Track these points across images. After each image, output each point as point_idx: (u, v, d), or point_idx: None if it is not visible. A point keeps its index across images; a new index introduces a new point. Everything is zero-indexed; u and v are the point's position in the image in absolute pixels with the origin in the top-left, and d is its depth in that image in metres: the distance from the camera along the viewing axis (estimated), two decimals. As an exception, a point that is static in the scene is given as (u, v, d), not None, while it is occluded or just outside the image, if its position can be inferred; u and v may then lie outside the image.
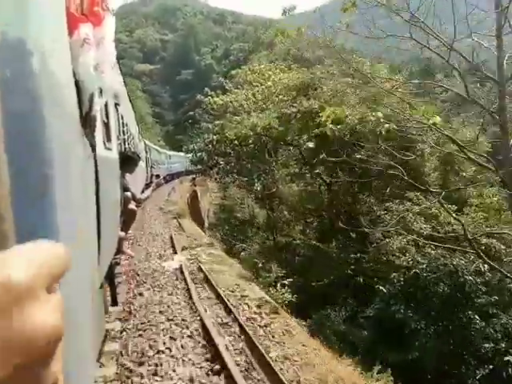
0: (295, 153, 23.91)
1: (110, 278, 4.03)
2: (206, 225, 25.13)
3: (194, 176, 37.29)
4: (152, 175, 20.77)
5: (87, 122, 1.97)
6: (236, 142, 23.55)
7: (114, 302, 4.39)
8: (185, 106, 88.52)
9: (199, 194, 29.73)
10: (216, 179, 28.61)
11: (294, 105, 20.97)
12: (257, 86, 26.97)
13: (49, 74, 1.11)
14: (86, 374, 1.60)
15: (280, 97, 24.36)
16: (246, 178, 24.62)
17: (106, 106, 3.79)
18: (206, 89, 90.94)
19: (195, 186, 33.56)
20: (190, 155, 52.68)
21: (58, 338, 0.34)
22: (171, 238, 12.70)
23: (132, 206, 5.73)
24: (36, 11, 1.11)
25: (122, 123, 6.45)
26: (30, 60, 0.95)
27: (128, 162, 5.69)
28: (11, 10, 0.99)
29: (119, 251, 4.90)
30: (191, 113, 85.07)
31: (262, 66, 29.65)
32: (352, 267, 17.07)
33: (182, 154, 43.64)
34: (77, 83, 1.81)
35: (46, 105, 1.03)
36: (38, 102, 0.99)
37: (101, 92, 2.23)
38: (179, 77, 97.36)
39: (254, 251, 20.13)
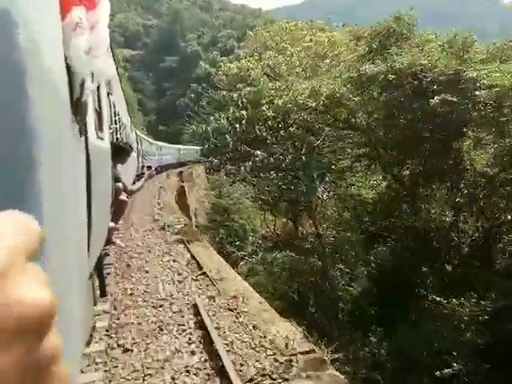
0: (361, 140, 16.78)
1: (99, 268, 3.94)
2: (194, 225, 19.93)
3: (181, 170, 35.57)
4: (143, 166, 20.59)
5: (78, 108, 1.88)
6: (278, 119, 16.20)
7: (103, 294, 4.31)
8: (167, 95, 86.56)
9: (187, 191, 27.26)
10: (245, 179, 20.63)
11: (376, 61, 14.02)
12: (286, 49, 20.82)
13: (36, 51, 1.02)
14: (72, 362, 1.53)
15: (344, 55, 18.06)
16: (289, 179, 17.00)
17: (98, 94, 3.69)
18: (215, 53, 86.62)
19: (182, 181, 31.27)
20: (186, 147, 51.59)
21: (51, 312, 0.33)
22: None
23: (123, 196, 5.66)
24: None
25: (114, 112, 6.35)
26: (15, 31, 0.87)
27: (120, 152, 5.60)
28: None
29: (109, 242, 4.82)
30: (183, 100, 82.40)
31: (292, 23, 24.06)
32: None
33: (172, 145, 43.17)
34: (68, 67, 1.71)
35: (31, 82, 0.94)
36: (22, 77, 0.91)
37: (92, 77, 2.14)
38: (163, 64, 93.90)
39: (257, 262, 16.83)
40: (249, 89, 18.60)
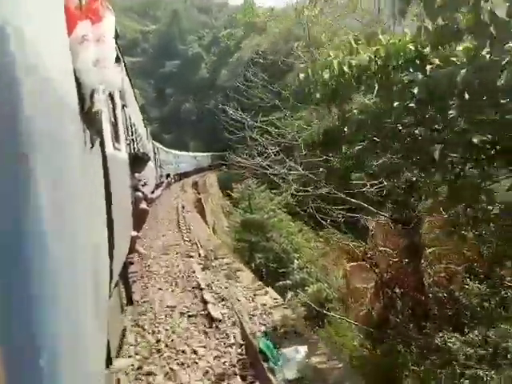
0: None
1: (124, 277, 3.96)
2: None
3: (196, 180, 33.95)
4: (161, 175, 20.78)
5: (90, 117, 1.91)
6: None
7: (129, 301, 4.33)
8: (170, 102, 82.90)
9: (204, 206, 24.16)
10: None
11: None
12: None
13: (37, 65, 1.13)
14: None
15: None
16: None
17: (113, 106, 3.76)
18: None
19: (199, 193, 29.15)
20: (200, 154, 51.55)
21: None
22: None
23: (143, 205, 5.70)
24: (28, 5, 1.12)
25: (130, 124, 6.43)
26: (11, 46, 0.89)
27: (138, 162, 5.67)
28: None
29: (132, 250, 4.85)
30: (186, 105, 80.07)
31: None
32: None
33: (187, 153, 43.50)
34: (77, 80, 1.75)
35: (29, 94, 0.96)
36: (19, 88, 0.93)
37: (103, 88, 2.17)
38: (163, 69, 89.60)
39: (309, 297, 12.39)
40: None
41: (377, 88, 4.65)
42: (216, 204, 28.11)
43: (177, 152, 35.95)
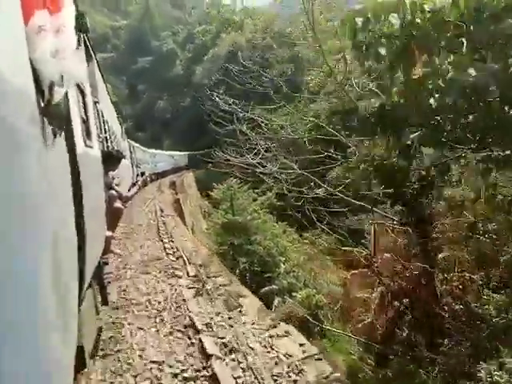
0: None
1: (99, 277, 3.87)
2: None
3: (174, 180, 33.01)
4: (138, 174, 20.47)
5: (50, 110, 1.82)
6: None
7: (105, 302, 4.23)
8: (143, 99, 79.55)
9: (183, 207, 23.47)
10: None
11: None
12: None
13: None
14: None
15: None
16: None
17: (84, 102, 3.67)
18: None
19: (177, 193, 27.57)
20: (177, 152, 51.21)
21: None
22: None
23: (118, 204, 5.57)
24: None
25: (103, 121, 6.29)
26: None
27: (111, 160, 5.54)
28: None
29: (107, 251, 4.74)
30: (161, 102, 77.05)
31: None
32: None
33: (165, 152, 43.07)
34: (34, 71, 1.67)
35: None
36: None
37: (62, 79, 2.07)
38: (135, 66, 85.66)
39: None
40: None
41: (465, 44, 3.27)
42: (194, 205, 26.70)
43: (154, 151, 35.57)
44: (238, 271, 13.95)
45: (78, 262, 2.36)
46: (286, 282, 13.88)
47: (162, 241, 12.01)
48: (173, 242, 11.90)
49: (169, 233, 13.22)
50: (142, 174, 17.31)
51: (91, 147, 3.77)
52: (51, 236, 1.67)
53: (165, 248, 10.96)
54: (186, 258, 9.70)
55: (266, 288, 12.89)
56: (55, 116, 2.02)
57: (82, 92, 3.74)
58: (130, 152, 17.55)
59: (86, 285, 2.99)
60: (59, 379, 1.64)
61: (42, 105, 1.84)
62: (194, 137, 63.67)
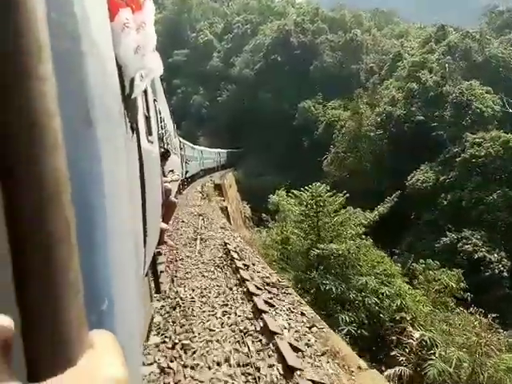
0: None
1: (153, 267, 3.95)
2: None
3: (219, 183, 28.59)
4: (187, 171, 20.73)
5: (129, 104, 1.88)
6: None
7: (158, 290, 4.32)
8: (178, 94, 75.83)
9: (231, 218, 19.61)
10: None
11: None
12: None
13: (94, 46, 1.14)
14: (134, 352, 1.51)
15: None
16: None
17: (146, 100, 3.74)
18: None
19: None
20: (223, 150, 51.38)
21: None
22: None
23: (172, 198, 5.68)
24: None
25: (160, 118, 6.45)
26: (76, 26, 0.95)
27: (164, 156, 5.71)
28: None
29: (161, 242, 4.84)
30: (197, 97, 74.21)
31: None
32: None
33: (212, 149, 43.33)
34: (119, 67, 1.72)
35: (92, 75, 1.03)
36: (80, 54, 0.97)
37: (141, 75, 2.13)
38: (172, 59, 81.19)
39: None
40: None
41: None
42: (236, 209, 24.75)
43: (201, 148, 36.08)
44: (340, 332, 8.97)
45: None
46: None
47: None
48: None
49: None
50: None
51: (152, 143, 3.86)
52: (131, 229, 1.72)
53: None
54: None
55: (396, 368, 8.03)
56: (133, 110, 2.08)
57: (145, 90, 3.83)
58: (180, 149, 17.85)
59: (144, 273, 3.05)
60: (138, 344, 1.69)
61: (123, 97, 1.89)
62: (234, 134, 62.86)
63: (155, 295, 4.46)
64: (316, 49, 65.35)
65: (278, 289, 6.74)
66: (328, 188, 14.69)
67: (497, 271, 27.72)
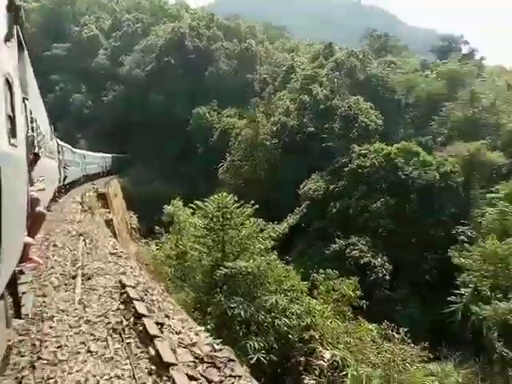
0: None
1: (13, 288, 3.54)
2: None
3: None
4: (65, 177, 19.32)
5: None
6: None
7: (18, 315, 3.87)
8: (56, 91, 70.04)
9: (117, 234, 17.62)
10: None
11: None
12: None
13: None
14: None
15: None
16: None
17: (11, 99, 3.40)
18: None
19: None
20: (108, 154, 48.41)
21: None
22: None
23: (41, 208, 5.18)
24: None
25: (31, 119, 5.90)
26: None
27: (34, 160, 5.23)
28: None
29: (25, 259, 4.36)
30: (78, 96, 68.32)
31: None
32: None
33: (97, 154, 40.94)
34: None
35: None
36: None
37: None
38: (50, 52, 75.07)
39: None
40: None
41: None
42: (121, 219, 22.30)
43: (84, 152, 33.98)
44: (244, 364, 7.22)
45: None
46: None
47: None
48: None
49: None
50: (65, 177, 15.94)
51: (15, 146, 3.50)
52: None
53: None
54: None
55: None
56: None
57: (10, 86, 3.46)
58: (58, 152, 16.61)
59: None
60: None
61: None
62: (118, 137, 59.35)
63: (15, 320, 3.96)
64: (211, 55, 66.35)
65: (219, 368, 4.09)
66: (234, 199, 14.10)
67: (380, 275, 30.27)
